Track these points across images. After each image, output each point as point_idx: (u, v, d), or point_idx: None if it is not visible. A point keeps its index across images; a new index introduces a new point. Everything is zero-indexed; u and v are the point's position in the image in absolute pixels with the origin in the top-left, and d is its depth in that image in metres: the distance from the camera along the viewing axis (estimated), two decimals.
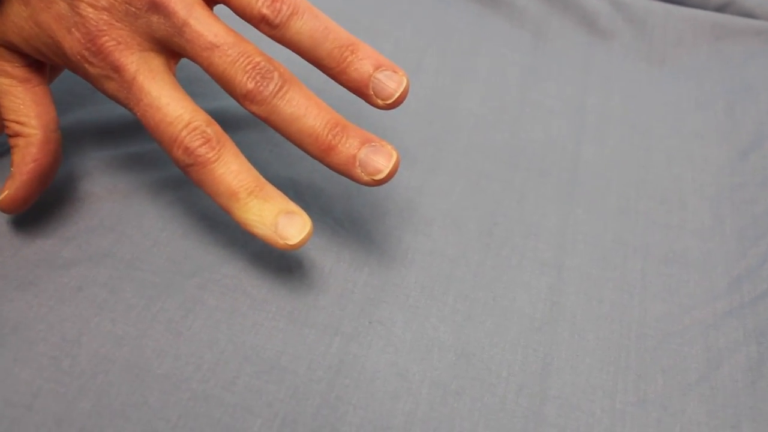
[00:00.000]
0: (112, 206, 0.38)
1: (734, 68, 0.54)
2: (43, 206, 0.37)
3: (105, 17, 0.31)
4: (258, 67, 0.32)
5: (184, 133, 0.32)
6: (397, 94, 0.33)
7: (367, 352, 0.35)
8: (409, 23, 0.52)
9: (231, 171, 0.32)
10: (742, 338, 0.38)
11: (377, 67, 0.33)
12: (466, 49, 0.52)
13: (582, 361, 0.36)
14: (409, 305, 0.37)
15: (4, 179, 0.36)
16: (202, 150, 0.32)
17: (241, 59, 0.32)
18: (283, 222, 0.32)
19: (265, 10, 0.32)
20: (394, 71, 0.33)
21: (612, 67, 0.53)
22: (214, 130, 0.32)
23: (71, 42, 0.32)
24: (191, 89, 0.40)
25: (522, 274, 0.39)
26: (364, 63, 0.33)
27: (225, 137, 0.32)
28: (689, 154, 0.48)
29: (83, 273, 0.35)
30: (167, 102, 0.32)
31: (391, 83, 0.33)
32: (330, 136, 0.32)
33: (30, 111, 0.34)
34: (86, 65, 0.32)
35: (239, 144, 0.40)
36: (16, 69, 0.35)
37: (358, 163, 0.32)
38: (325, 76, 0.34)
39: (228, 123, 0.41)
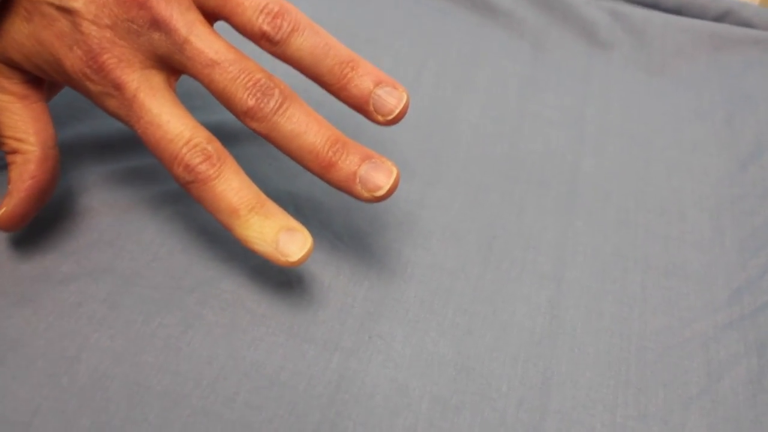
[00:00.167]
0: (112, 221, 0.38)
1: (733, 78, 0.54)
2: (42, 221, 0.37)
3: (108, 35, 0.31)
4: (258, 84, 0.32)
5: (184, 150, 0.31)
6: (398, 110, 0.33)
7: (367, 367, 0.35)
8: (408, 35, 0.52)
9: (232, 188, 0.32)
10: (743, 351, 0.38)
11: (377, 84, 0.33)
12: (465, 60, 0.52)
13: (582, 374, 0.36)
14: (409, 319, 0.37)
15: (1, 196, 0.36)
16: (202, 167, 0.32)
17: (242, 76, 0.32)
18: (284, 239, 0.32)
19: (265, 27, 0.32)
20: (395, 87, 0.33)
21: (611, 78, 0.53)
22: (214, 147, 0.32)
23: (72, 59, 0.32)
24: (191, 103, 0.40)
25: (521, 288, 0.39)
26: (364, 79, 0.33)
27: (226, 154, 0.32)
28: (689, 165, 0.48)
29: (82, 288, 0.35)
30: (168, 119, 0.32)
31: (391, 99, 0.33)
32: (330, 153, 0.32)
33: (28, 127, 0.34)
34: (87, 82, 0.32)
35: (239, 157, 0.40)
36: (14, 85, 0.34)
37: (358, 180, 0.32)
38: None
39: (227, 136, 0.41)
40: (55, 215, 0.37)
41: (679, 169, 0.47)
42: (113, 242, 0.37)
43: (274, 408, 0.33)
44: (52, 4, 0.31)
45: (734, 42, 0.56)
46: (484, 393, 0.35)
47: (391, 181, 0.32)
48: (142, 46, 0.32)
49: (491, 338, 0.37)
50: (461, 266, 0.39)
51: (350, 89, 0.33)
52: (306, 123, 0.32)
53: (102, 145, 0.41)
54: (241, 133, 0.42)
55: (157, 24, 0.31)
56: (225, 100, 0.32)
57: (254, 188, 0.32)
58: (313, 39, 0.32)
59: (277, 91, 0.32)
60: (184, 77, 0.42)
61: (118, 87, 0.32)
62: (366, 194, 0.32)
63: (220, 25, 0.35)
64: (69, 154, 0.40)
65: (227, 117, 0.41)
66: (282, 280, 0.37)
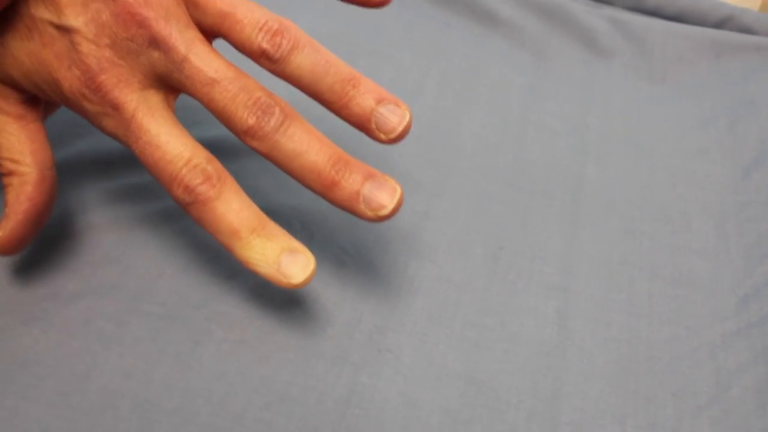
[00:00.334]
0: (117, 238, 0.38)
1: (735, 85, 0.54)
2: (47, 239, 0.37)
3: (107, 54, 0.31)
4: (259, 103, 0.31)
5: (184, 171, 0.31)
6: (400, 128, 0.32)
7: (377, 382, 0.35)
8: (409, 46, 0.52)
9: (232, 209, 0.32)
10: (751, 359, 0.38)
11: (379, 101, 0.32)
12: (466, 70, 0.52)
13: (592, 385, 0.36)
14: (417, 333, 0.37)
15: None
16: (202, 188, 0.31)
17: (242, 94, 0.31)
18: (286, 260, 0.32)
19: (265, 45, 0.32)
20: (397, 105, 0.32)
21: (612, 86, 0.53)
22: (214, 167, 0.32)
23: (71, 79, 0.31)
24: (193, 117, 0.40)
25: (529, 299, 0.39)
26: (366, 97, 0.32)
27: (226, 174, 0.32)
28: (692, 172, 0.48)
29: (89, 306, 0.35)
30: (166, 140, 0.31)
31: (393, 117, 0.32)
32: (333, 172, 0.32)
33: (25, 148, 0.34)
34: (85, 102, 0.32)
35: (243, 171, 0.40)
36: (10, 105, 0.34)
37: (361, 199, 0.32)
38: None
39: (231, 150, 0.41)
40: (60, 233, 0.37)
41: (682, 176, 0.47)
42: (119, 259, 0.37)
43: (284, 423, 0.33)
44: (51, 23, 0.31)
45: (735, 48, 0.56)
46: (494, 405, 0.35)
47: (395, 200, 0.32)
48: (141, 66, 0.31)
49: (500, 350, 0.37)
50: (468, 278, 0.39)
51: (352, 107, 0.32)
52: (307, 141, 0.32)
53: (105, 161, 0.41)
54: (243, 146, 0.42)
55: (156, 42, 0.31)
56: (225, 119, 0.32)
57: (255, 209, 0.32)
58: (313, 57, 0.32)
59: (277, 110, 0.32)
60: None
61: (116, 107, 0.31)
62: (370, 213, 0.32)
63: (218, 43, 0.35)
64: (71, 171, 0.40)
65: (228, 131, 0.41)
66: (289, 294, 0.37)
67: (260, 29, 0.32)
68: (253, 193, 0.40)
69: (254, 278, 0.37)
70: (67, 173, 0.39)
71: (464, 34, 0.55)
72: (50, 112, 0.37)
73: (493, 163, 0.46)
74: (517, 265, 0.41)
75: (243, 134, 0.32)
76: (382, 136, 0.33)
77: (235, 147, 0.42)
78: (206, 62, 0.31)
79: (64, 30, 0.31)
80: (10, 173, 0.34)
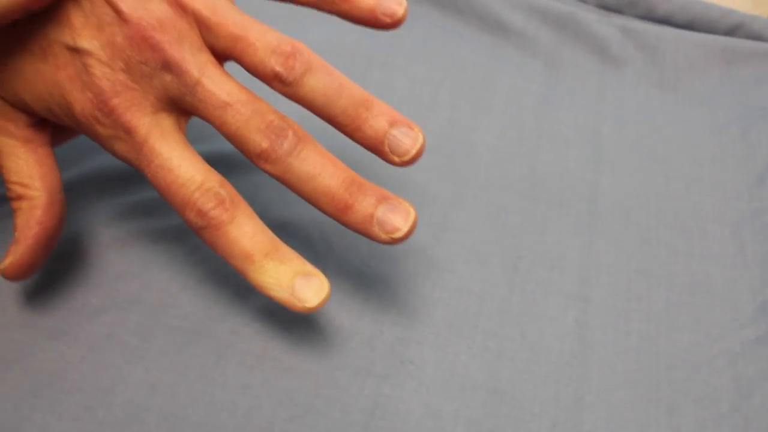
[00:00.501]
0: (138, 252, 0.38)
1: (747, 92, 0.54)
2: (69, 254, 0.37)
3: (121, 78, 0.31)
4: (272, 126, 0.31)
5: (197, 194, 0.31)
6: (414, 151, 0.32)
7: (401, 393, 0.35)
8: (422, 57, 0.53)
9: (245, 233, 0.31)
10: None
11: (393, 124, 0.32)
12: (480, 81, 0.52)
13: (613, 394, 0.36)
14: (439, 344, 0.37)
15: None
16: (215, 212, 0.31)
17: (255, 118, 0.31)
18: (300, 284, 0.31)
19: (278, 68, 0.32)
20: (410, 128, 0.32)
21: (625, 95, 0.54)
22: (227, 190, 0.32)
23: (83, 102, 0.31)
24: (207, 131, 0.40)
25: (548, 309, 0.39)
26: (379, 120, 0.32)
27: (239, 198, 0.32)
28: (707, 180, 0.48)
29: (113, 320, 0.35)
30: (179, 163, 0.31)
31: (406, 140, 0.32)
32: (347, 195, 0.32)
33: (33, 172, 0.33)
34: (97, 126, 0.32)
35: (261, 184, 0.40)
36: (19, 129, 0.34)
37: (375, 222, 0.32)
38: None
39: (246, 163, 0.41)
40: (82, 247, 0.38)
41: (697, 184, 0.48)
42: (141, 273, 0.37)
43: None
44: (65, 45, 0.31)
45: (746, 55, 0.56)
46: (517, 415, 0.35)
47: (410, 223, 0.32)
48: (154, 89, 0.31)
49: (521, 360, 0.37)
50: (487, 289, 0.40)
51: (365, 130, 0.32)
52: (321, 165, 0.32)
53: (125, 176, 0.41)
54: None
55: (169, 66, 0.31)
56: (238, 143, 0.32)
57: (268, 232, 0.32)
58: (326, 79, 0.32)
59: (290, 133, 0.32)
60: None
61: (128, 131, 0.31)
62: (384, 236, 0.32)
63: (230, 66, 0.35)
64: (92, 185, 0.40)
65: None
66: None
67: (273, 52, 0.32)
68: (272, 204, 0.41)
69: None
70: (88, 187, 0.40)
71: (476, 45, 0.55)
72: (65, 138, 0.37)
73: (509, 173, 0.46)
74: (536, 275, 0.41)
75: (256, 158, 0.32)
76: (396, 159, 0.32)
77: (244, 161, 0.42)
78: (219, 85, 0.31)
79: (78, 52, 0.31)
80: (20, 197, 0.33)
